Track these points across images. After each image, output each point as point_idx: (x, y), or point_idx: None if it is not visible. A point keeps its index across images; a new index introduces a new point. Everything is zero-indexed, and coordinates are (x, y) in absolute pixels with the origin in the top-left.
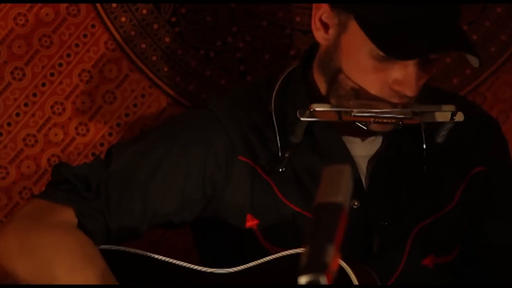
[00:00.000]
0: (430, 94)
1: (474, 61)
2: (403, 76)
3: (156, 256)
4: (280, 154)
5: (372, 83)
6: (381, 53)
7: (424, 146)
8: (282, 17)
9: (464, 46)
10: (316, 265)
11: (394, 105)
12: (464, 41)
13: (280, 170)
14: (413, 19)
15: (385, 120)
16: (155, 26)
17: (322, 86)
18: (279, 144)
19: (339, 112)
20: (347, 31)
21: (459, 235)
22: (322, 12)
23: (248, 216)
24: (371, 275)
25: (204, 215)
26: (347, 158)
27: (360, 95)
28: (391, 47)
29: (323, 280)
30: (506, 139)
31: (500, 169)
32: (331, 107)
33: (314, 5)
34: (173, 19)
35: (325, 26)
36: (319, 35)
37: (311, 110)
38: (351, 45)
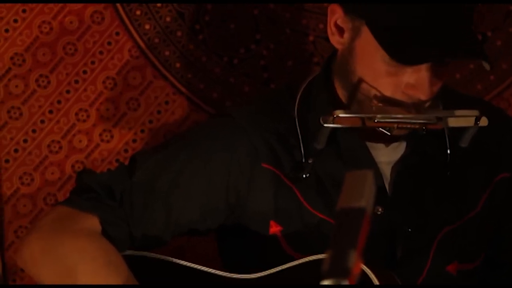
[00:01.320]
0: (455, 100)
1: (486, 65)
2: (415, 80)
3: (180, 262)
4: (303, 161)
5: (385, 87)
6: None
7: (448, 151)
8: (306, 24)
9: (475, 52)
10: (338, 270)
11: (417, 110)
12: (475, 47)
13: (304, 176)
14: (424, 25)
15: (408, 126)
16: (179, 34)
17: (341, 92)
18: (302, 151)
19: (362, 118)
20: (360, 36)
21: (484, 241)
22: (337, 16)
23: (272, 223)
24: (394, 279)
25: (227, 223)
26: (371, 164)
27: (377, 99)
28: (400, 52)
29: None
30: None
31: None
32: (354, 113)
33: (329, 9)
34: (197, 27)
35: (340, 31)
36: (335, 40)
37: (334, 116)
38: (364, 50)
